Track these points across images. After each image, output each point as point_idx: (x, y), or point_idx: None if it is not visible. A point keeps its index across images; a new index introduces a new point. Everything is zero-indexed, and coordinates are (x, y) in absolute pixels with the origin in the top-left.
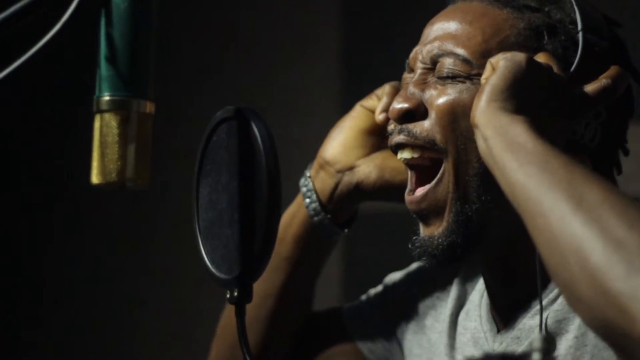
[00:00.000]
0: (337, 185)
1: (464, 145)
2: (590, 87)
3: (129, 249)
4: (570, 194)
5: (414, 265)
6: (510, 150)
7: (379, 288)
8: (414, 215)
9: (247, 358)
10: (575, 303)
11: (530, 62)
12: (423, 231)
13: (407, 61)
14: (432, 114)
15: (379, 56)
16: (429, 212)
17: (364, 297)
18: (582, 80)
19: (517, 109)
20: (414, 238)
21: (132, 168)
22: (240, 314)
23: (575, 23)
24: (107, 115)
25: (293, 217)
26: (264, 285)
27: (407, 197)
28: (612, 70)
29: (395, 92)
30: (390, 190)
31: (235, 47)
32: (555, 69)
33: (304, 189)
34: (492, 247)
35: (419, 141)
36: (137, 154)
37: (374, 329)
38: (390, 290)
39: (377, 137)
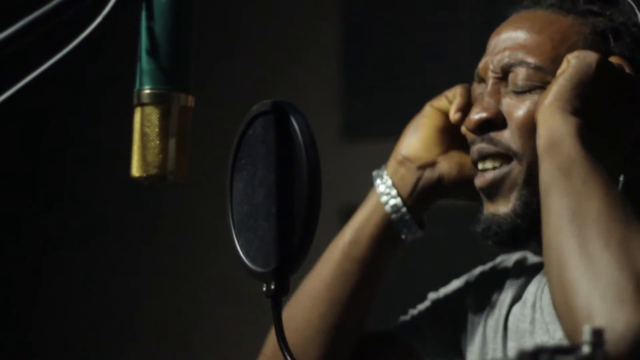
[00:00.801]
0: (418, 180)
1: None
2: None
3: (153, 243)
4: (572, 205)
5: (455, 282)
6: (550, 150)
7: (425, 302)
8: (481, 192)
9: (286, 353)
10: (553, 307)
11: (601, 62)
12: (486, 209)
13: (477, 71)
14: (512, 125)
15: (377, 53)
16: (497, 190)
17: (407, 316)
18: None
19: (575, 111)
20: (477, 217)
21: (173, 161)
22: (276, 306)
23: (637, 25)
24: (147, 108)
25: (368, 218)
26: (333, 292)
27: (478, 179)
28: None
29: (467, 93)
30: (469, 187)
31: (232, 43)
32: (627, 69)
33: (381, 187)
34: None
35: (500, 149)
36: (177, 147)
37: (433, 338)
38: (438, 300)
39: (451, 136)
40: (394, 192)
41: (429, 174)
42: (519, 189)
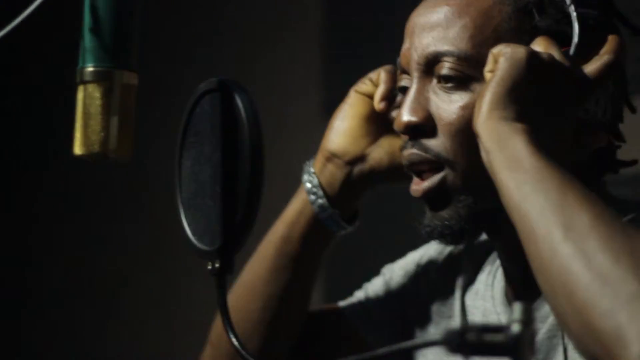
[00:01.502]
0: (347, 176)
1: (476, 153)
2: (594, 67)
3: (112, 220)
4: (561, 221)
5: (412, 255)
6: (508, 167)
7: (378, 281)
8: (422, 201)
9: (230, 332)
10: (567, 333)
11: (531, 58)
12: (429, 213)
13: (399, 61)
14: (442, 129)
15: (361, 29)
16: (435, 198)
17: (361, 292)
18: (582, 56)
19: (518, 116)
20: (420, 216)
21: (115, 139)
22: (221, 285)
23: None
24: (90, 86)
25: (299, 214)
26: (269, 287)
27: (413, 188)
28: (611, 42)
29: (392, 77)
30: (402, 173)
31: (216, 22)
32: (556, 55)
33: (308, 185)
34: (511, 238)
35: (431, 157)
36: (120, 125)
37: (381, 322)
38: (392, 283)
39: (377, 122)
40: (320, 192)
41: (359, 169)
42: (458, 195)
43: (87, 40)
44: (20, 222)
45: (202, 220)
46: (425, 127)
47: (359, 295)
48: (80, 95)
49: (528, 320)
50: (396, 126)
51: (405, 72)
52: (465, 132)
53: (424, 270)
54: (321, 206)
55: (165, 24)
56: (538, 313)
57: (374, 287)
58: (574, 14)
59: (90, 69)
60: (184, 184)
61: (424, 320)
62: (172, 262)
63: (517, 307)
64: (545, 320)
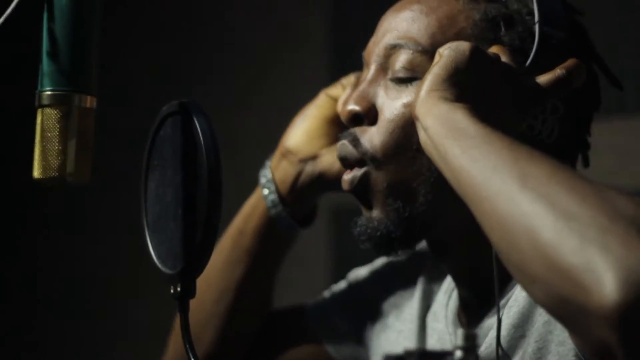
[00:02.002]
0: (299, 174)
1: (413, 153)
2: (543, 78)
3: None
4: (516, 174)
5: (379, 262)
6: (451, 137)
7: (343, 285)
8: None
9: (191, 355)
10: (529, 285)
11: (475, 51)
12: (364, 212)
13: (363, 54)
14: (381, 124)
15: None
16: (363, 195)
17: (326, 293)
18: (540, 73)
19: (457, 98)
20: (355, 219)
21: (72, 163)
22: (183, 310)
23: (532, 14)
24: (48, 110)
25: (254, 208)
26: (223, 280)
27: (343, 178)
28: (569, 62)
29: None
30: None
31: (220, 43)
32: (505, 59)
33: (263, 180)
34: (453, 249)
35: (358, 153)
36: (77, 149)
37: (340, 327)
38: (354, 287)
39: (339, 128)
40: (272, 186)
41: (310, 168)
42: (383, 197)
43: (45, 64)
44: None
45: (165, 243)
46: (364, 117)
47: (323, 297)
48: (38, 118)
49: (471, 347)
50: (340, 114)
51: (368, 66)
52: (402, 130)
53: (388, 280)
54: (272, 201)
55: (171, 44)
56: (480, 330)
57: (337, 289)
58: (537, 28)
59: (48, 92)
60: (149, 206)
61: (381, 330)
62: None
63: (460, 334)
64: (486, 336)
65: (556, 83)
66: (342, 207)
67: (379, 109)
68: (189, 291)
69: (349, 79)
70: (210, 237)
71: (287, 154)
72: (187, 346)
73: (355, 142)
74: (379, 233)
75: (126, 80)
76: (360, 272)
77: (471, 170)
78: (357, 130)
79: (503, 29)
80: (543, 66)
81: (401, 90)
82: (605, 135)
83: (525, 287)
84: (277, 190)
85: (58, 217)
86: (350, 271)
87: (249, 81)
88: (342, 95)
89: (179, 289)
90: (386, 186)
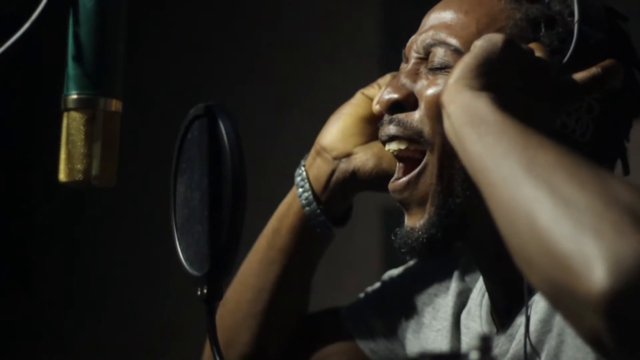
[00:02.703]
0: (333, 172)
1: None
2: (578, 75)
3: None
4: (524, 159)
5: (412, 263)
6: (470, 123)
7: (377, 286)
8: (398, 204)
9: (218, 358)
10: (527, 268)
11: (508, 42)
12: (406, 222)
13: (403, 51)
14: (422, 106)
15: None
16: (411, 201)
17: (361, 295)
18: (576, 71)
19: (484, 87)
20: (397, 230)
21: (97, 167)
22: (210, 312)
23: (574, 15)
24: (73, 114)
25: (289, 207)
26: (259, 279)
27: (390, 185)
28: (606, 61)
29: None
30: (387, 180)
31: (274, 37)
32: (540, 54)
33: (297, 178)
34: (484, 247)
35: (408, 132)
36: (103, 152)
37: (375, 328)
38: (389, 288)
39: (374, 127)
40: (307, 184)
41: (344, 166)
42: (433, 192)
43: (71, 67)
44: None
45: (193, 246)
46: (405, 104)
47: (358, 300)
48: (64, 122)
49: (486, 349)
50: (379, 104)
51: (408, 61)
52: (441, 115)
53: (422, 278)
54: (307, 199)
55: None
56: (512, 329)
57: (372, 290)
58: (576, 26)
59: (73, 96)
60: (178, 210)
61: (417, 329)
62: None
63: (476, 335)
64: (517, 333)
65: (591, 80)
66: (391, 208)
67: (417, 95)
68: (216, 293)
69: (385, 79)
70: (234, 240)
71: (321, 151)
72: (214, 348)
73: (402, 124)
74: (420, 241)
75: (160, 81)
76: (394, 273)
77: (484, 156)
78: (400, 115)
79: (543, 30)
80: (580, 65)
81: (437, 78)
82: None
83: (524, 272)
84: (311, 188)
85: (81, 221)
86: (385, 273)
87: (295, 81)
88: (376, 95)
89: (205, 291)
90: (437, 175)
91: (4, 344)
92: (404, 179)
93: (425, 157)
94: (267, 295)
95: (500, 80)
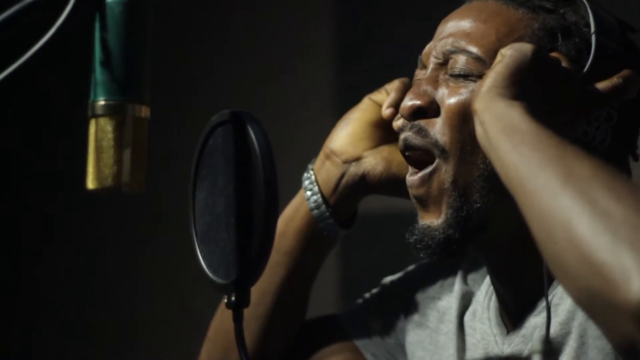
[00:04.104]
0: (342, 175)
1: (471, 146)
2: (601, 85)
3: (125, 253)
4: (561, 170)
5: (411, 267)
6: (505, 132)
7: (376, 291)
8: (414, 201)
9: None
10: (562, 276)
11: (538, 52)
12: (421, 219)
13: (420, 57)
14: (443, 114)
15: (373, 60)
16: (427, 197)
17: (360, 300)
18: (594, 81)
19: (516, 96)
20: (412, 227)
21: (127, 173)
22: (238, 319)
23: (589, 26)
24: (102, 120)
25: (296, 210)
26: (262, 282)
27: (408, 179)
28: (625, 71)
29: (404, 88)
30: (395, 184)
31: (230, 51)
32: (565, 64)
33: (306, 182)
34: (498, 249)
35: (427, 143)
36: (132, 158)
37: (375, 332)
38: (388, 293)
39: (384, 131)
40: (315, 188)
41: (353, 169)
42: (448, 194)
43: (98, 73)
44: (34, 248)
45: (216, 253)
46: (427, 110)
47: (357, 304)
48: (92, 129)
49: (549, 352)
50: (401, 110)
51: (424, 67)
52: (464, 123)
53: (422, 284)
54: (315, 202)
55: (176, 52)
56: (526, 330)
57: (372, 296)
58: (594, 37)
59: (101, 102)
60: (198, 217)
61: (420, 333)
62: (186, 295)
63: (538, 338)
64: (532, 335)
65: (614, 90)
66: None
67: (439, 102)
68: (244, 300)
69: (393, 85)
70: (267, 246)
71: (331, 155)
72: (243, 356)
73: (423, 132)
74: (437, 240)
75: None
76: (393, 278)
77: (519, 165)
78: (421, 122)
79: (560, 39)
80: (598, 76)
81: (459, 85)
82: None
83: (559, 279)
84: (320, 191)
85: (100, 227)
86: (383, 279)
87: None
88: (386, 100)
89: (233, 298)
90: (451, 181)
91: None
92: (419, 174)
93: (436, 162)
94: (270, 298)
95: (531, 89)
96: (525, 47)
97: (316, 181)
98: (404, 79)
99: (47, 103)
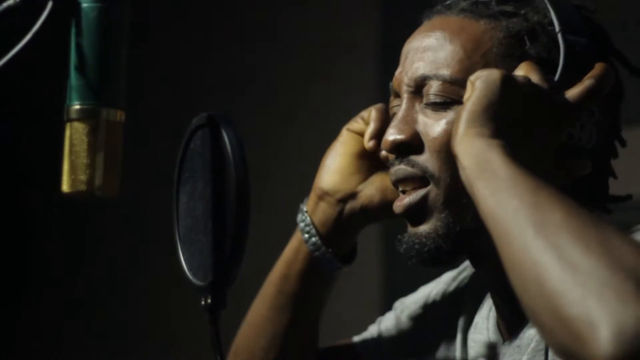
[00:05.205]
0: (340, 214)
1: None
2: (574, 91)
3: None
4: (533, 220)
5: (423, 288)
6: (483, 177)
7: (390, 315)
8: (404, 218)
9: None
10: (538, 329)
11: (505, 79)
12: (410, 229)
13: (391, 85)
14: (429, 146)
15: None
16: (416, 213)
17: (374, 326)
18: (569, 83)
19: (494, 133)
20: (400, 236)
21: (100, 177)
22: (214, 321)
23: (553, 23)
24: (76, 124)
25: (296, 253)
26: (271, 326)
27: (395, 204)
28: (596, 69)
29: (382, 116)
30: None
31: (272, 49)
32: (535, 79)
33: (301, 225)
34: (492, 265)
35: (418, 171)
36: (106, 162)
37: (392, 357)
38: (403, 317)
39: (370, 160)
40: (313, 230)
41: (350, 206)
42: (438, 212)
43: (73, 78)
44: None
45: (196, 256)
46: (412, 145)
47: (372, 330)
48: (67, 133)
49: (493, 356)
50: (383, 145)
51: (397, 95)
52: (450, 149)
53: (433, 305)
54: (314, 244)
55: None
56: (521, 341)
57: (386, 322)
58: (561, 41)
59: (76, 106)
60: (181, 220)
61: (433, 355)
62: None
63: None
64: (528, 346)
65: (588, 94)
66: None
67: (422, 134)
68: (220, 302)
69: (369, 112)
70: (238, 250)
71: (324, 195)
72: (218, 357)
73: (412, 163)
74: (426, 249)
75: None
76: (406, 301)
77: (496, 213)
78: (408, 156)
79: (528, 43)
80: (573, 75)
81: (439, 115)
82: None
83: (537, 331)
84: (318, 233)
85: (84, 230)
86: (396, 302)
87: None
88: (366, 132)
89: (209, 301)
90: (442, 202)
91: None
92: (408, 198)
93: (429, 186)
94: (280, 341)
95: (505, 118)
96: (493, 77)
97: (312, 223)
98: (380, 106)
99: (22, 108)
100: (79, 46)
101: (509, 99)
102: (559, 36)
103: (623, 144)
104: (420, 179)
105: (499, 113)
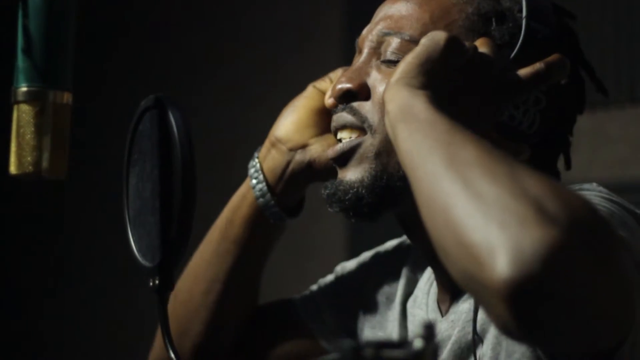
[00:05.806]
0: (288, 163)
1: None
2: (522, 71)
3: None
4: (445, 156)
5: (365, 254)
6: (404, 121)
7: (331, 277)
8: (334, 164)
9: (169, 347)
10: (445, 259)
11: (450, 40)
12: (338, 174)
13: (357, 41)
14: (374, 98)
15: None
16: (347, 160)
17: (315, 287)
18: (524, 66)
19: (423, 85)
20: (326, 183)
21: (47, 159)
22: (161, 302)
23: (522, 11)
24: (23, 106)
25: (242, 198)
26: (212, 271)
27: (329, 150)
28: (551, 57)
29: None
30: None
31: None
32: (487, 50)
33: (251, 170)
34: (424, 234)
35: (358, 120)
36: (52, 144)
37: (330, 318)
38: (343, 280)
39: (329, 118)
40: (261, 176)
41: (299, 157)
42: (369, 162)
43: (20, 60)
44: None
45: (145, 237)
46: (358, 94)
47: (311, 289)
48: (14, 115)
49: (430, 336)
50: (332, 93)
51: (361, 52)
52: None
53: (373, 270)
54: (260, 190)
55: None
56: (455, 315)
57: (326, 282)
58: (524, 24)
59: (23, 89)
60: (131, 201)
61: (372, 319)
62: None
63: (421, 323)
64: (460, 320)
65: (535, 76)
66: None
67: (370, 87)
68: (167, 284)
69: (336, 73)
70: (185, 231)
71: (276, 143)
72: (166, 338)
73: (354, 111)
74: (349, 196)
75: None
76: (347, 265)
77: (412, 152)
78: (353, 104)
79: (494, 24)
80: (529, 60)
81: (390, 72)
82: (617, 126)
83: (443, 263)
84: (266, 180)
85: (34, 212)
86: (337, 265)
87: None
88: (328, 90)
89: (157, 282)
90: (374, 153)
91: None
92: (342, 145)
93: (365, 136)
94: (220, 287)
95: (441, 78)
96: (438, 36)
97: (261, 169)
98: (347, 67)
99: None
100: (25, 28)
101: (449, 61)
102: (523, 20)
103: (567, 145)
104: (359, 129)
105: (435, 70)
